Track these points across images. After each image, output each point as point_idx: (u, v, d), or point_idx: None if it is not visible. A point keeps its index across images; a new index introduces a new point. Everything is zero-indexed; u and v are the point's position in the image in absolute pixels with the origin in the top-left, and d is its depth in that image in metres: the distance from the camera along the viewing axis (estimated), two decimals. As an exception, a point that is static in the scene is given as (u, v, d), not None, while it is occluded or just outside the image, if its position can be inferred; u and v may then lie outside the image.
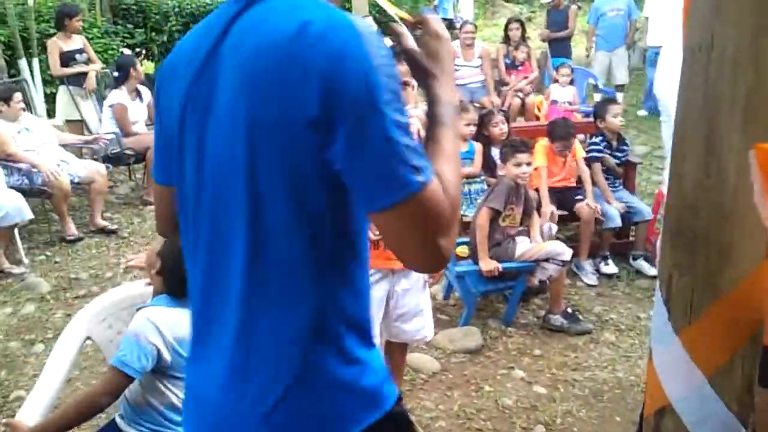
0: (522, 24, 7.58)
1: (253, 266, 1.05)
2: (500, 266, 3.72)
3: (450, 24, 12.99)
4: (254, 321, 1.07)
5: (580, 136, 4.94)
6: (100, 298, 2.52)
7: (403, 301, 2.81)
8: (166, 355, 1.99)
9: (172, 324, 2.00)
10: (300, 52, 0.94)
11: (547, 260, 3.72)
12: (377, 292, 2.73)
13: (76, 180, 5.28)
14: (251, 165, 1.00)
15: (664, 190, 4.62)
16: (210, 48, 1.07)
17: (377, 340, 2.79)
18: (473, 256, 3.89)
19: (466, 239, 4.20)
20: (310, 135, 0.95)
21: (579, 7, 10.62)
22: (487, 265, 3.71)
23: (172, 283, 2.07)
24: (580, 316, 3.90)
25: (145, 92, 6.25)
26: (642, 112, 8.65)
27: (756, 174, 0.92)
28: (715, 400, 1.17)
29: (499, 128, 4.70)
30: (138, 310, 2.11)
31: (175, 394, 2.07)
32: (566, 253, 3.73)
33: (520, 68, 7.29)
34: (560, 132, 4.52)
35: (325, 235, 1.03)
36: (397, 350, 3.03)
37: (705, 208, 1.12)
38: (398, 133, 0.94)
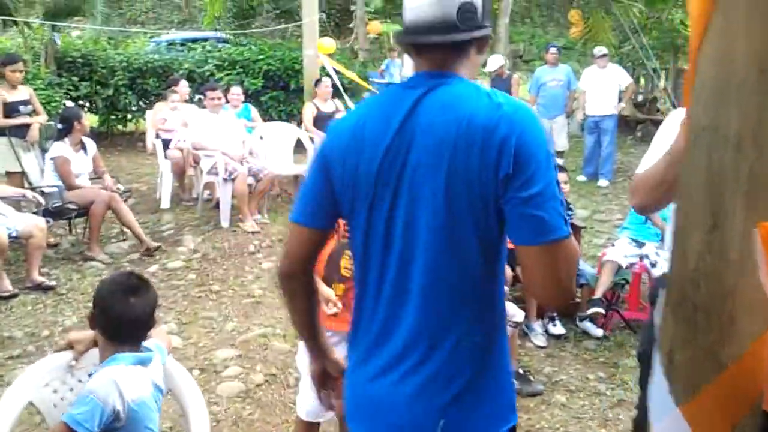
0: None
1: (437, 281, 1.39)
2: None
3: (396, 88, 13.31)
4: (436, 330, 1.40)
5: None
6: (44, 361, 2.40)
7: None
8: (122, 418, 1.92)
9: (134, 384, 1.99)
10: (497, 127, 1.30)
11: (500, 321, 3.74)
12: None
13: (13, 234, 5.07)
14: (448, 204, 1.35)
15: (608, 252, 4.81)
16: (399, 123, 1.40)
17: (331, 413, 2.72)
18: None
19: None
20: (499, 185, 1.31)
21: (519, 77, 11.08)
22: None
23: (108, 326, 2.09)
24: (531, 377, 3.92)
25: (90, 145, 6.13)
26: (581, 178, 8.97)
27: (760, 252, 0.96)
28: None
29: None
30: (91, 374, 2.03)
31: None
32: (519, 314, 3.78)
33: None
34: None
35: (491, 258, 1.39)
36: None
37: (707, 283, 1.15)
38: (557, 190, 1.31)
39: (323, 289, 2.54)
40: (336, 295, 2.56)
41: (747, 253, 1.08)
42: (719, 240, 1.13)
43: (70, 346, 2.32)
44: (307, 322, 1.71)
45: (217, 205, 6.99)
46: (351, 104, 9.61)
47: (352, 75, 9.65)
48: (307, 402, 2.72)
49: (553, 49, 9.41)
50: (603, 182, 8.77)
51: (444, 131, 1.35)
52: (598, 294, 4.62)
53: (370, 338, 1.50)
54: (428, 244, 1.38)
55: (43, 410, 2.30)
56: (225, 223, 6.65)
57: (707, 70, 1.19)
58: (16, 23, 10.33)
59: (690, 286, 1.18)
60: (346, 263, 2.59)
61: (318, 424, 2.82)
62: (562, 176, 4.79)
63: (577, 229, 5.06)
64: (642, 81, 13.47)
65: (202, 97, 10.07)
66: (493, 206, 1.33)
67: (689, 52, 1.28)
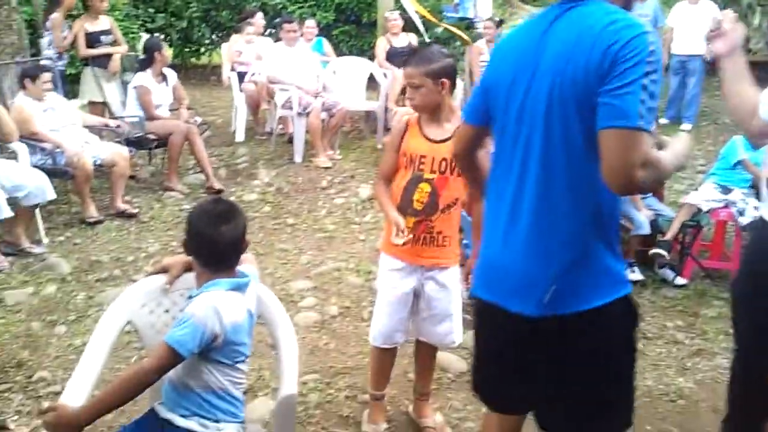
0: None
1: (550, 168, 1.67)
2: None
3: (470, 23, 12.92)
4: (551, 213, 1.68)
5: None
6: (141, 282, 2.48)
7: (433, 304, 2.76)
8: (219, 340, 1.98)
9: (230, 308, 2.02)
10: (605, 37, 1.55)
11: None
12: (404, 287, 2.71)
13: (98, 162, 5.25)
14: (552, 100, 1.64)
15: (689, 196, 4.62)
16: (539, 35, 1.70)
17: (403, 336, 2.77)
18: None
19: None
20: (597, 81, 1.54)
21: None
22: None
23: (202, 253, 2.12)
24: (607, 323, 3.86)
25: (171, 75, 6.22)
26: (663, 120, 8.58)
27: None
28: None
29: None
30: (190, 297, 2.09)
31: (217, 378, 2.06)
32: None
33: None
34: None
35: (592, 149, 1.56)
36: (426, 350, 3.00)
37: None
38: (642, 93, 1.50)
39: (394, 215, 2.57)
40: (407, 227, 2.56)
41: None
42: None
43: (164, 269, 2.38)
44: (478, 180, 2.11)
45: (290, 140, 7.04)
46: (426, 38, 9.38)
47: (423, 11, 9.39)
48: (380, 324, 2.79)
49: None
50: (686, 126, 8.37)
51: (565, 42, 1.64)
52: (668, 236, 4.48)
53: (499, 219, 1.81)
54: (545, 135, 1.68)
55: (140, 329, 2.39)
56: (298, 158, 6.70)
57: None
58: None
59: None
60: (419, 196, 2.59)
61: (393, 349, 2.87)
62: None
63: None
64: (732, 19, 12.62)
65: (273, 30, 10.06)
66: (593, 102, 1.57)
67: None
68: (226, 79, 7.86)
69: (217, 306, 1.99)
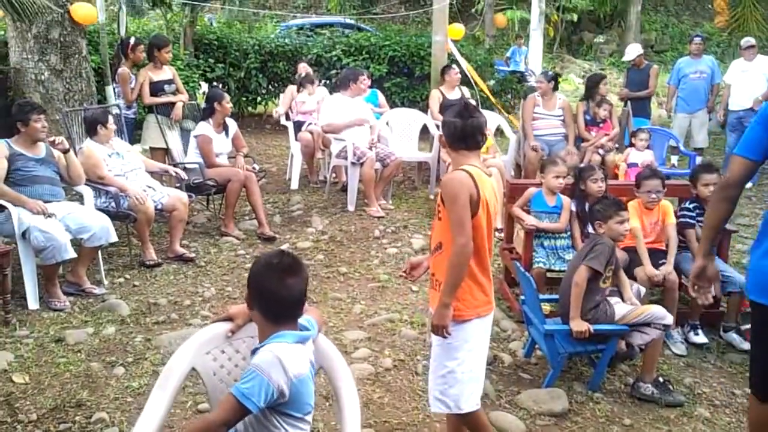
0: (604, 81, 7.50)
1: None
2: (591, 328, 3.59)
3: (522, 77, 13.01)
4: None
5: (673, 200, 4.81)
6: (205, 330, 2.49)
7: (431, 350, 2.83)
8: (286, 393, 1.97)
9: (295, 361, 2.02)
10: None
11: (646, 324, 3.57)
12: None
13: (159, 206, 5.37)
14: None
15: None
16: None
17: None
18: (563, 314, 3.77)
19: (553, 296, 4.10)
20: None
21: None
22: (579, 326, 3.58)
23: (266, 306, 2.11)
24: (671, 387, 3.71)
25: (232, 125, 6.37)
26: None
27: None
28: None
29: (598, 185, 4.59)
30: (255, 350, 2.09)
31: (286, 431, 2.03)
32: (668, 317, 3.58)
33: (601, 125, 7.19)
34: (649, 175, 4.55)
35: None
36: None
37: None
38: None
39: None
40: None
41: None
42: None
43: (229, 318, 2.39)
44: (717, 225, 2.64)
45: (343, 189, 7.10)
46: (476, 93, 9.47)
47: (471, 70, 9.50)
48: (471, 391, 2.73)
49: (697, 39, 8.85)
50: (747, 184, 8.18)
51: None
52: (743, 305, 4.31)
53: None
54: None
55: (203, 376, 2.39)
56: (351, 207, 6.74)
57: None
58: (155, 4, 10.87)
59: None
60: None
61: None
62: (711, 177, 4.55)
63: (726, 233, 4.74)
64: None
65: (328, 81, 10.28)
66: None
67: None
68: (277, 117, 8.05)
69: (282, 358, 1.98)
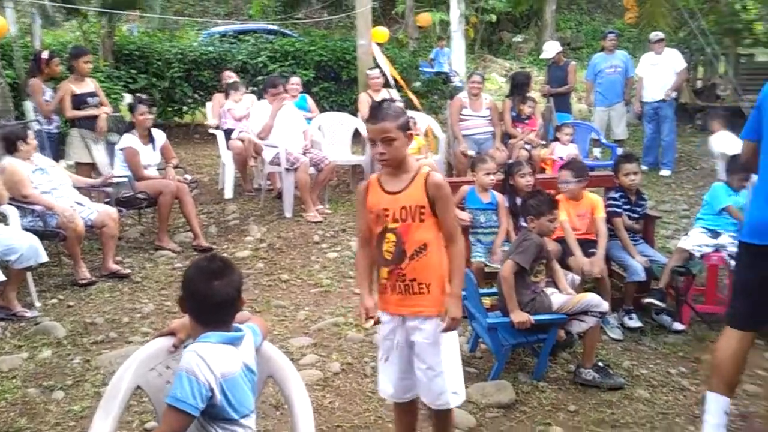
0: (529, 78, 7.73)
1: None
2: (532, 318, 3.70)
3: (446, 77, 13.21)
4: None
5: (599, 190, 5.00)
6: (148, 346, 2.44)
7: (422, 357, 2.71)
8: (217, 393, 1.98)
9: (220, 360, 2.03)
10: None
11: (583, 312, 3.70)
12: (391, 338, 2.76)
13: (88, 223, 5.20)
14: None
15: (680, 242, 4.72)
16: None
17: (407, 393, 2.79)
18: (503, 308, 3.87)
19: (492, 290, 4.20)
20: None
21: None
22: (519, 316, 3.68)
23: (196, 309, 2.14)
24: (611, 371, 3.86)
25: (159, 136, 6.23)
26: (642, 167, 8.78)
27: None
28: None
29: (526, 179, 4.73)
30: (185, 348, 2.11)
31: None
32: (603, 304, 3.73)
33: (526, 121, 7.41)
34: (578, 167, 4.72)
35: None
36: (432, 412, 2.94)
37: None
38: None
39: (362, 297, 2.77)
40: (383, 278, 2.69)
41: None
42: None
43: (171, 332, 2.36)
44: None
45: (279, 196, 7.05)
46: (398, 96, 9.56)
47: (394, 72, 9.60)
48: (379, 378, 2.85)
49: (611, 35, 9.23)
50: (665, 172, 8.59)
51: None
52: (661, 284, 4.54)
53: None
54: None
55: (149, 393, 2.34)
56: (288, 213, 6.70)
57: None
58: (70, 14, 10.48)
59: None
60: (387, 247, 2.66)
61: (408, 406, 2.87)
62: (631, 166, 4.76)
63: (651, 219, 4.97)
64: (700, 68, 13.11)
65: (255, 88, 10.18)
66: None
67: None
68: (213, 124, 7.95)
69: (205, 357, 2.00)
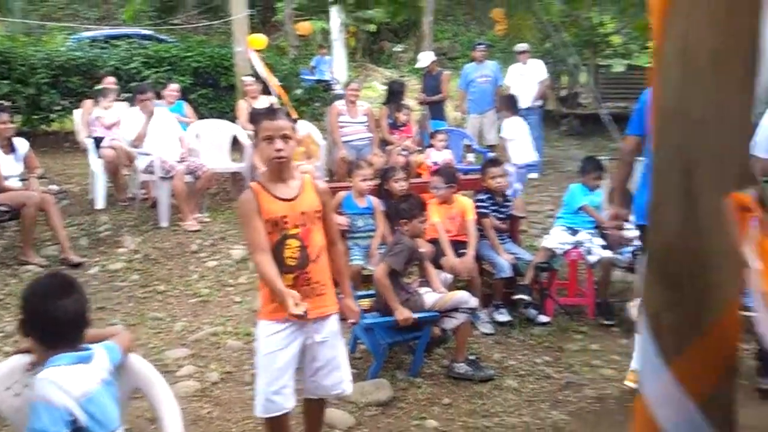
0: (404, 87, 7.96)
1: None
2: (418, 315, 3.84)
3: (327, 85, 13.33)
4: None
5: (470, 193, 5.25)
6: (3, 365, 2.34)
7: (321, 356, 2.81)
8: (80, 415, 1.93)
9: (75, 381, 1.97)
10: None
11: (454, 309, 3.88)
12: (292, 347, 2.73)
13: (-58, 239, 4.85)
14: None
15: (543, 240, 5.04)
16: None
17: (293, 400, 2.77)
18: (380, 309, 3.99)
19: (370, 292, 4.31)
20: None
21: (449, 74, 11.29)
22: (403, 314, 3.81)
23: (39, 331, 2.07)
24: (482, 364, 4.06)
25: (21, 145, 5.91)
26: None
27: (731, 221, 1.11)
28: (704, 424, 1.31)
29: (400, 184, 4.89)
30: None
31: None
32: (473, 301, 3.92)
33: (402, 129, 7.62)
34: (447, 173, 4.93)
35: None
36: (315, 407, 3.03)
37: (685, 252, 1.28)
38: None
39: (284, 290, 2.57)
40: (287, 286, 2.63)
41: (719, 224, 1.21)
42: (694, 213, 1.26)
43: (28, 350, 2.27)
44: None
45: (154, 205, 6.86)
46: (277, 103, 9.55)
47: (272, 79, 9.56)
48: (267, 393, 2.75)
49: (480, 47, 9.66)
50: (533, 175, 9.07)
51: None
52: (526, 280, 4.83)
53: None
54: None
55: (6, 414, 2.25)
56: (164, 223, 6.53)
57: (671, 54, 1.32)
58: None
59: (670, 256, 1.30)
60: (290, 253, 2.69)
61: (286, 417, 2.86)
62: (497, 170, 5.04)
63: (516, 219, 5.27)
64: (564, 77, 13.97)
65: (129, 94, 9.81)
66: None
67: (653, 47, 1.40)
68: (84, 143, 7.57)
69: (56, 381, 1.94)
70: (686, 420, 1.31)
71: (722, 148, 1.26)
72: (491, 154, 8.51)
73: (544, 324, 4.72)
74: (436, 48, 19.14)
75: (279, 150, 2.65)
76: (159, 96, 7.71)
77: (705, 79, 1.27)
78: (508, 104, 7.93)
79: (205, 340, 4.38)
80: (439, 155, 7.24)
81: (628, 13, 12.19)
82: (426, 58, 9.37)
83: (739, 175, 1.26)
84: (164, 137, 6.77)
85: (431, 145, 7.43)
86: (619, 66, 12.71)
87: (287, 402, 2.77)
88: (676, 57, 1.32)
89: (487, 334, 4.58)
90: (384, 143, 7.57)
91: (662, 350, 1.33)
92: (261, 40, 9.80)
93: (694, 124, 1.27)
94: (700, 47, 1.27)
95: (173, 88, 7.88)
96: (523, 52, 9.37)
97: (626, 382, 3.78)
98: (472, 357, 4.06)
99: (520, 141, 7.62)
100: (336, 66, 15.32)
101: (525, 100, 9.20)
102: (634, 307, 4.50)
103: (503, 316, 4.71)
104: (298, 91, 11.68)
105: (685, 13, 1.30)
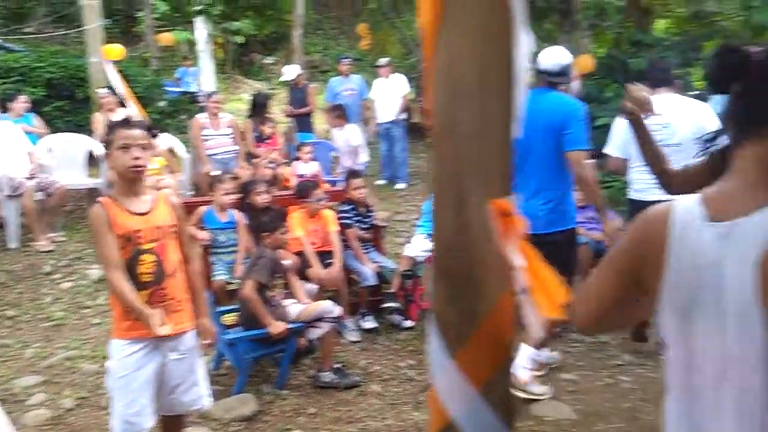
0: (268, 99, 7.94)
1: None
2: (289, 325, 3.85)
3: (194, 97, 13.03)
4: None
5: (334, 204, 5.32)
6: None
7: (179, 373, 2.77)
8: None
9: None
10: None
11: (319, 319, 3.93)
12: (149, 366, 2.67)
13: None
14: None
15: (405, 249, 5.21)
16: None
17: (153, 419, 2.71)
18: (244, 323, 3.97)
19: (234, 306, 4.27)
20: None
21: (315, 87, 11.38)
22: (278, 327, 3.81)
23: None
24: (348, 371, 4.14)
25: None
26: (380, 182, 9.47)
27: (493, 224, 1.25)
28: (486, 410, 1.43)
29: (262, 197, 4.88)
30: None
31: None
32: (336, 310, 3.99)
33: (268, 141, 7.60)
34: (306, 188, 4.97)
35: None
36: (174, 424, 2.97)
37: (460, 253, 1.40)
38: None
39: (143, 308, 2.55)
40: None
41: (486, 227, 1.35)
42: (465, 218, 1.39)
43: None
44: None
45: (1, 225, 6.41)
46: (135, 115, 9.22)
47: (129, 92, 9.19)
48: (126, 415, 2.67)
49: (345, 60, 9.81)
50: (400, 185, 9.33)
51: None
52: (393, 288, 4.99)
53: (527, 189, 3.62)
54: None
55: None
56: (13, 244, 6.13)
57: (441, 73, 1.44)
58: None
59: (448, 257, 1.43)
60: (144, 269, 2.63)
61: None
62: (358, 181, 5.16)
63: (378, 229, 5.41)
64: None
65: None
66: None
67: (424, 60, 1.51)
68: None
69: None
70: (471, 407, 1.42)
71: (487, 158, 1.40)
72: (361, 166, 8.69)
73: (408, 329, 4.87)
74: (307, 61, 19.24)
75: (136, 159, 2.58)
76: (4, 108, 7.25)
77: (470, 96, 1.40)
78: (340, 114, 8.16)
79: (59, 366, 4.17)
80: (306, 167, 7.27)
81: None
82: (292, 71, 9.40)
83: (503, 182, 1.41)
84: (10, 152, 6.36)
85: (298, 158, 7.46)
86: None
87: (146, 422, 2.71)
88: (445, 75, 1.44)
89: (354, 342, 4.66)
90: (250, 156, 7.51)
91: (446, 344, 1.44)
92: (117, 50, 9.41)
93: (462, 137, 1.40)
94: (465, 67, 1.40)
95: (22, 100, 7.42)
96: (384, 66, 9.60)
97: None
98: (338, 365, 4.12)
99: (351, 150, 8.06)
100: (204, 78, 14.97)
101: (389, 114, 9.44)
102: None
103: (369, 323, 4.82)
104: (162, 103, 11.35)
105: (451, 34, 1.42)
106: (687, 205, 1.23)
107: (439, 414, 1.52)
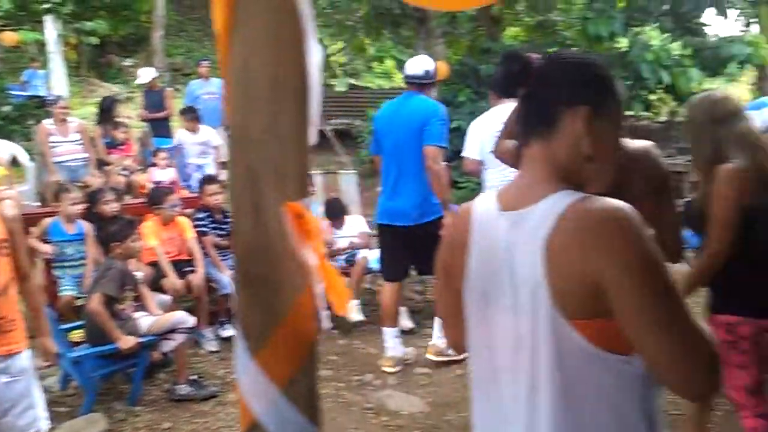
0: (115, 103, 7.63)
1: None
2: (140, 339, 3.71)
3: (43, 101, 12.24)
4: None
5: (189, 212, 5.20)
6: None
7: (11, 395, 2.61)
8: None
9: None
10: None
11: (173, 331, 3.82)
12: None
13: None
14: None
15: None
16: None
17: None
18: (91, 340, 3.79)
19: (79, 323, 4.08)
20: None
21: (176, 89, 11.04)
22: (128, 342, 3.67)
23: None
24: (205, 382, 4.06)
25: None
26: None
27: (289, 225, 1.31)
28: (289, 408, 1.47)
29: (110, 206, 4.68)
30: None
31: None
32: (190, 320, 3.90)
33: (121, 147, 7.29)
34: (159, 195, 4.86)
35: None
36: None
37: (258, 255, 1.44)
38: None
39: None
40: None
41: (282, 229, 1.40)
42: (262, 221, 1.43)
43: None
44: None
45: None
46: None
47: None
48: None
49: (205, 63, 9.54)
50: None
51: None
52: None
53: (388, 183, 4.22)
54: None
55: None
56: None
57: (235, 79, 1.48)
58: None
59: (249, 259, 1.46)
60: None
61: None
62: (213, 187, 5.07)
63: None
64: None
65: None
66: None
67: (219, 62, 1.53)
68: None
69: None
70: (273, 406, 1.47)
71: (281, 162, 1.45)
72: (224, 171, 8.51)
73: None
74: (169, 63, 18.63)
75: None
76: None
77: (263, 102, 1.44)
78: (193, 117, 7.93)
79: None
80: (162, 174, 7.02)
81: (346, 32, 12.89)
82: (147, 74, 9.06)
83: (297, 185, 1.46)
84: None
85: (154, 164, 7.19)
86: (342, 85, 13.46)
87: None
88: (238, 81, 1.47)
89: (212, 352, 4.57)
90: (102, 163, 7.16)
91: (248, 345, 1.47)
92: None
93: (255, 142, 1.44)
94: (258, 73, 1.44)
95: None
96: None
97: (427, 356, 4.32)
98: (194, 377, 4.03)
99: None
100: (54, 80, 14.12)
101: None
102: (353, 308, 4.86)
103: (227, 332, 4.74)
104: (6, 108, 10.60)
105: (243, 40, 1.45)
106: (486, 199, 1.37)
107: (245, 414, 1.54)
